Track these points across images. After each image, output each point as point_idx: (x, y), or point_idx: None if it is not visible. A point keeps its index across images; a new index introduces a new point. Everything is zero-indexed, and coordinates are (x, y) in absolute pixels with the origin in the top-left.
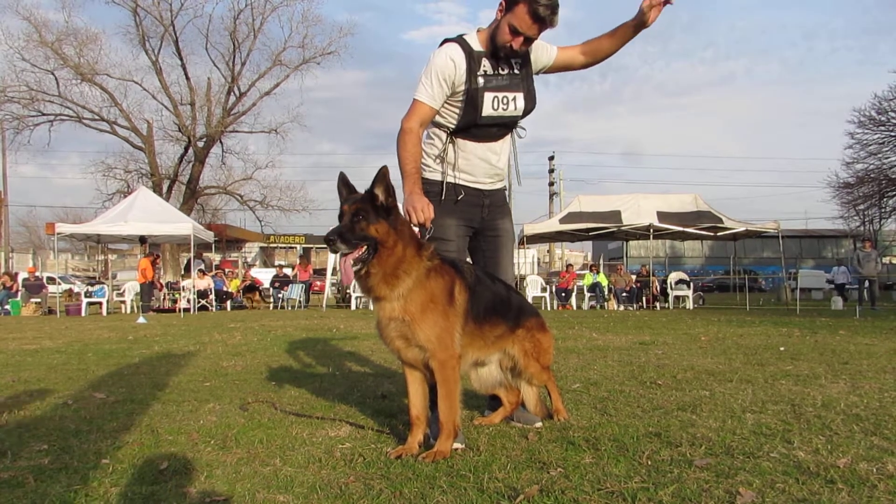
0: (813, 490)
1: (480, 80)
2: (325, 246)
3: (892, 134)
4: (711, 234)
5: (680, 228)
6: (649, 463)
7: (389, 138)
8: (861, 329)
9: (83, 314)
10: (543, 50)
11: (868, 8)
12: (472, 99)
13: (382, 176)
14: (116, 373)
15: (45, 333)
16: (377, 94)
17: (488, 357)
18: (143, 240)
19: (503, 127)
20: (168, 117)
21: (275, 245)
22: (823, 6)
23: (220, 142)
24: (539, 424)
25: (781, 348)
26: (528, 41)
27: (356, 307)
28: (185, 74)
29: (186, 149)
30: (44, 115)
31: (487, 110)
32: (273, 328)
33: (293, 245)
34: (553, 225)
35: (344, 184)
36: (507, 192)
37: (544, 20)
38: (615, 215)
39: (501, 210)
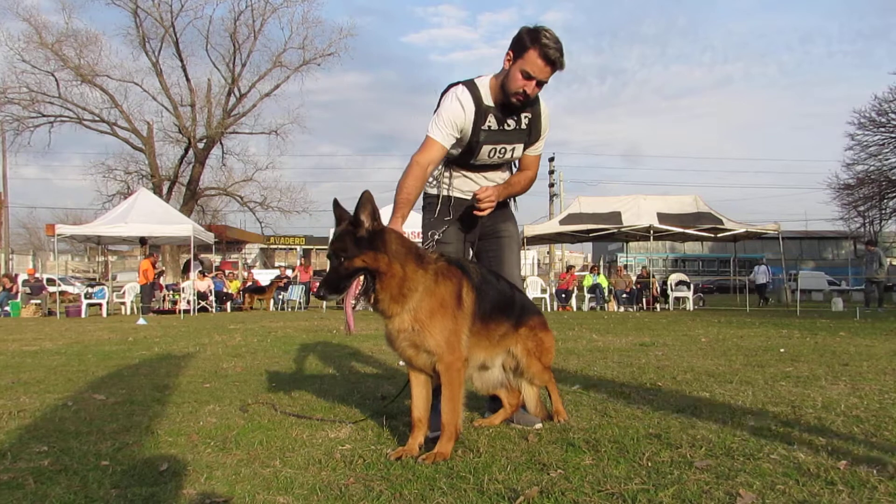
0: (813, 492)
1: (482, 135)
2: (325, 247)
3: (893, 135)
4: (712, 235)
5: (680, 229)
6: (649, 464)
7: (389, 140)
8: (861, 330)
9: (83, 315)
10: (544, 133)
11: (864, 13)
12: (470, 148)
13: (365, 201)
14: (116, 374)
15: (45, 335)
16: (377, 97)
17: (493, 358)
18: (143, 241)
19: (501, 165)
20: (168, 119)
21: (275, 246)
22: (820, 10)
23: (221, 143)
24: (539, 426)
25: (781, 350)
26: (540, 84)
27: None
28: (186, 76)
29: (186, 150)
30: (44, 116)
31: (482, 158)
32: (273, 329)
33: (293, 246)
34: (553, 226)
35: (336, 208)
36: (510, 198)
37: (555, 63)
38: (615, 216)
39: (504, 214)
